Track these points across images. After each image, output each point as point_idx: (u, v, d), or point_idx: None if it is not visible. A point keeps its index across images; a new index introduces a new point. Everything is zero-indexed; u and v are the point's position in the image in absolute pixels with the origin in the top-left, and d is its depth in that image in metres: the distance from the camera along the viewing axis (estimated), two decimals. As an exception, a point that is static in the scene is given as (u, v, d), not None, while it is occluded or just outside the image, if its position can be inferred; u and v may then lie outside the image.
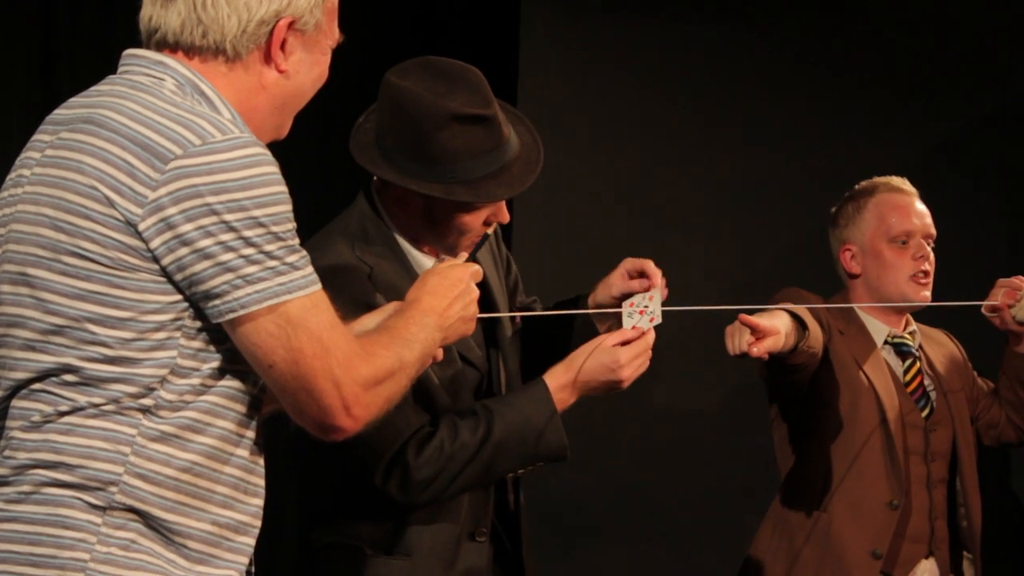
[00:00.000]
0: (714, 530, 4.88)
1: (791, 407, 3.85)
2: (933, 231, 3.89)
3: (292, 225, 2.17)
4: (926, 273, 3.84)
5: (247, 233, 2.12)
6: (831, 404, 3.77)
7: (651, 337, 3.01)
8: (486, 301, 2.96)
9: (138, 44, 2.29)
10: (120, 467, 2.16)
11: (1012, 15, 5.00)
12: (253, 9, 2.25)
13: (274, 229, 2.14)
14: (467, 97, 2.90)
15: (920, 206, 3.91)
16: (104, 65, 2.37)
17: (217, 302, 2.14)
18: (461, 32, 5.19)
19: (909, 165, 4.37)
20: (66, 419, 2.17)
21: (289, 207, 2.17)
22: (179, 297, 2.16)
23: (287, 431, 2.60)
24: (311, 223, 2.90)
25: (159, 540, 2.18)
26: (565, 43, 5.06)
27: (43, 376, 2.18)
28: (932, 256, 3.87)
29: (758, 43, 5.07)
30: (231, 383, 2.22)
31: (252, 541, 2.28)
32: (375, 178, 3.04)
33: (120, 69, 2.28)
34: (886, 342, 3.90)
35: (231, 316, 2.14)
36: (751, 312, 3.25)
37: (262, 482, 2.30)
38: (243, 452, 2.25)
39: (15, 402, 2.21)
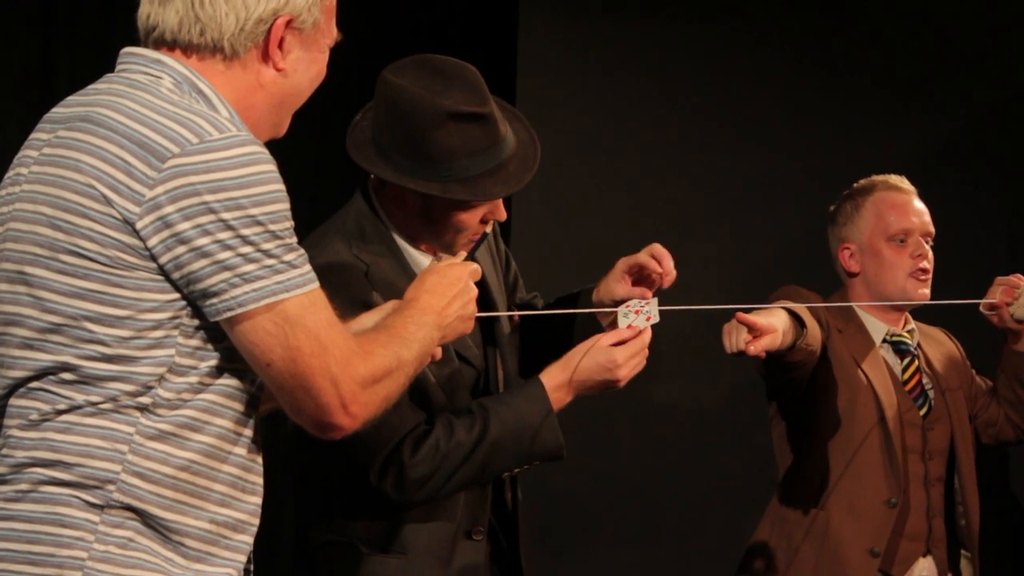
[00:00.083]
0: (712, 528, 4.88)
1: (789, 405, 3.85)
2: (932, 229, 3.89)
3: (290, 223, 2.17)
4: (925, 271, 3.84)
5: (245, 231, 2.12)
6: (829, 402, 3.77)
7: (647, 336, 3.00)
8: (484, 300, 2.95)
9: (137, 43, 2.29)
10: (118, 465, 2.16)
11: (1012, 15, 5.00)
12: (251, 7, 2.25)
13: (272, 227, 2.14)
14: (463, 95, 2.90)
15: (918, 204, 3.91)
16: (103, 65, 2.37)
17: (215, 300, 2.14)
18: (460, 31, 5.19)
19: (908, 164, 4.37)
20: (64, 417, 2.17)
21: (287, 205, 2.17)
22: (177, 295, 2.16)
23: (285, 429, 2.60)
24: (309, 221, 2.90)
25: (157, 538, 2.18)
26: (563, 42, 5.06)
27: (41, 374, 2.18)
28: (931, 254, 3.87)
29: (757, 43, 5.07)
30: (229, 381, 2.22)
31: (250, 539, 2.28)
32: (372, 176, 3.04)
33: (118, 67, 2.28)
34: (884, 340, 3.90)
35: (229, 314, 2.14)
36: (748, 311, 3.25)
37: (260, 480, 2.30)
38: (241, 450, 2.25)
39: (13, 400, 2.21)
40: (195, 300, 2.16)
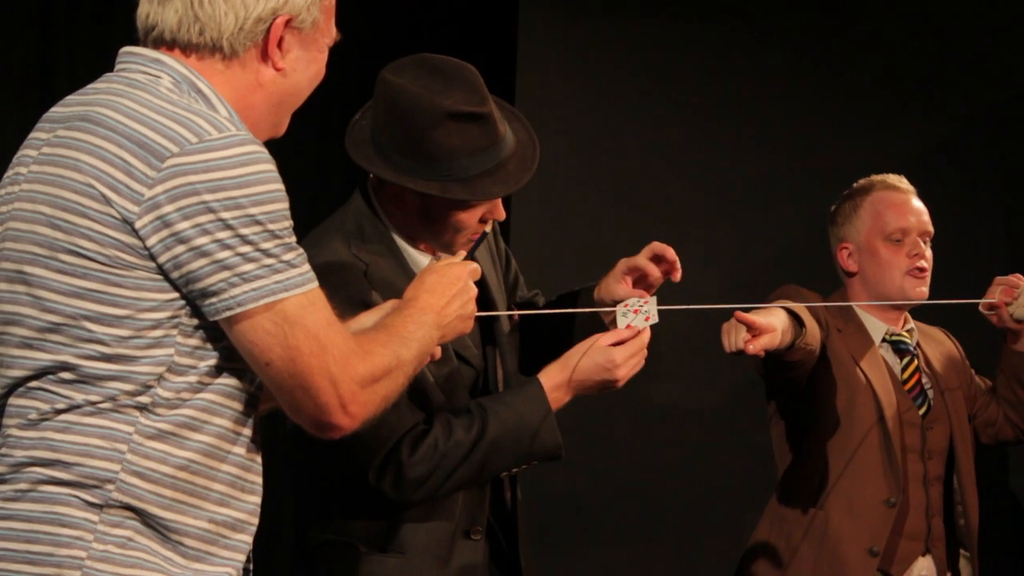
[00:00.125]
0: (711, 528, 4.88)
1: (789, 404, 3.85)
2: (930, 228, 3.89)
3: (289, 223, 2.17)
4: (922, 270, 3.84)
5: (244, 231, 2.12)
6: (828, 401, 3.77)
7: (646, 336, 3.00)
8: (484, 299, 2.96)
9: (136, 43, 2.29)
10: (117, 465, 2.16)
11: (1012, 15, 5.00)
12: (250, 7, 2.25)
13: (271, 227, 2.14)
14: (463, 95, 2.90)
15: (916, 203, 3.91)
16: (102, 64, 2.37)
17: (214, 300, 2.14)
18: (460, 31, 5.19)
19: (908, 164, 4.37)
20: (63, 417, 2.17)
21: (286, 205, 2.17)
22: (176, 295, 2.16)
23: (284, 429, 2.60)
24: (308, 221, 2.90)
25: (156, 538, 2.18)
26: (563, 42, 5.06)
27: (40, 374, 2.18)
28: (929, 253, 3.87)
29: (757, 43, 5.07)
30: (228, 381, 2.22)
31: (249, 539, 2.28)
32: (371, 176, 3.04)
33: (117, 67, 2.28)
34: (884, 340, 3.90)
35: (228, 314, 2.14)
36: (747, 310, 3.25)
37: (259, 480, 2.30)
38: (240, 450, 2.25)
39: (12, 400, 2.21)
40: (194, 299, 2.16)
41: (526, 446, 2.97)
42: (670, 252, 3.12)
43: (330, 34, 2.36)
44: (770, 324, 3.25)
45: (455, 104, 2.88)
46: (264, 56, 2.28)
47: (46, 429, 2.17)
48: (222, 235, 2.12)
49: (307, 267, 2.19)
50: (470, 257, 3.01)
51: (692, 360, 4.87)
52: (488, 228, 3.08)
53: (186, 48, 2.26)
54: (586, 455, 4.75)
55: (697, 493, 4.96)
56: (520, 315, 3.22)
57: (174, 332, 2.17)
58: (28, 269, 2.18)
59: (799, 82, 5.08)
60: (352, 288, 2.88)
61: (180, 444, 2.19)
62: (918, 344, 3.95)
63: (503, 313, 3.15)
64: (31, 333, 2.18)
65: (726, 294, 4.34)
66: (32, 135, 2.27)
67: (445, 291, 2.49)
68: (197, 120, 2.15)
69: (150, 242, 2.13)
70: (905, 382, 3.87)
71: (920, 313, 4.01)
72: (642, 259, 3.13)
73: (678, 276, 3.14)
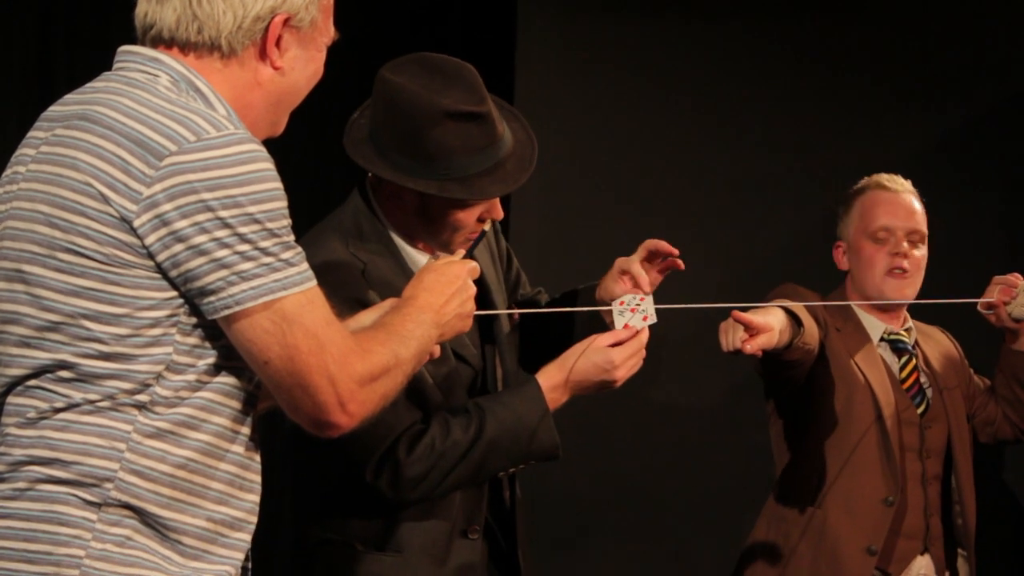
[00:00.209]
0: (710, 526, 4.88)
1: (787, 403, 3.85)
2: (919, 228, 3.88)
3: (287, 221, 2.17)
4: (903, 270, 3.83)
5: (242, 229, 2.12)
6: (827, 400, 3.77)
7: (644, 336, 3.00)
8: (483, 298, 2.96)
9: (134, 42, 2.29)
10: (115, 463, 2.16)
11: (1012, 15, 5.00)
12: (249, 5, 2.25)
13: (269, 225, 2.14)
14: (461, 94, 2.90)
15: (906, 202, 3.90)
16: (101, 64, 2.37)
17: (212, 298, 2.14)
18: (460, 31, 5.19)
19: (908, 164, 4.36)
20: (62, 415, 2.17)
21: (284, 203, 2.17)
22: (174, 293, 2.16)
23: (283, 427, 2.60)
24: (306, 220, 2.90)
25: (154, 536, 2.19)
26: (563, 42, 5.05)
27: (39, 372, 2.18)
28: (919, 253, 3.86)
29: (757, 43, 5.07)
30: (227, 379, 2.22)
31: (248, 537, 2.28)
32: (370, 174, 3.04)
33: (115, 66, 2.28)
34: (882, 339, 3.91)
35: (226, 312, 2.15)
36: (745, 309, 3.25)
37: (258, 478, 2.30)
38: (239, 448, 2.25)
39: (11, 399, 2.21)
40: (193, 298, 2.16)
41: (524, 446, 2.97)
42: (664, 245, 3.11)
43: (328, 33, 2.36)
44: (767, 323, 3.26)
45: (454, 103, 2.88)
46: (262, 55, 2.28)
47: (45, 428, 2.17)
48: (220, 233, 2.12)
49: (305, 266, 2.19)
50: (469, 256, 3.01)
51: (690, 359, 4.87)
52: (487, 227, 3.09)
53: (184, 47, 2.26)
54: (585, 454, 4.74)
55: (695, 492, 4.96)
56: (520, 314, 3.22)
57: (173, 330, 2.17)
58: (26, 268, 2.19)
59: (799, 82, 5.08)
60: (350, 287, 2.88)
61: (179, 442, 2.19)
62: (916, 343, 3.96)
63: (502, 312, 3.14)
64: (30, 332, 2.18)
65: (724, 293, 4.34)
66: (30, 134, 2.28)
67: (444, 290, 2.49)
68: (195, 119, 2.15)
69: (148, 240, 2.13)
70: (903, 381, 3.87)
71: (919, 312, 4.01)
72: (635, 265, 3.11)
73: (681, 264, 3.13)
